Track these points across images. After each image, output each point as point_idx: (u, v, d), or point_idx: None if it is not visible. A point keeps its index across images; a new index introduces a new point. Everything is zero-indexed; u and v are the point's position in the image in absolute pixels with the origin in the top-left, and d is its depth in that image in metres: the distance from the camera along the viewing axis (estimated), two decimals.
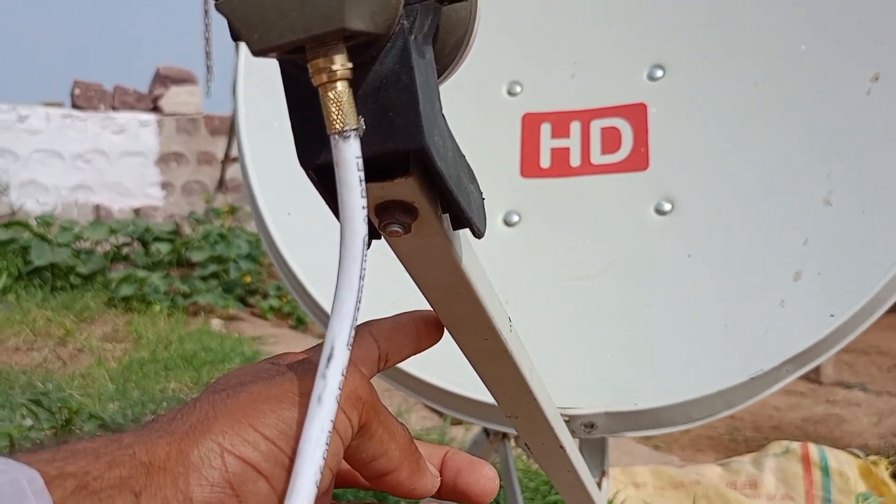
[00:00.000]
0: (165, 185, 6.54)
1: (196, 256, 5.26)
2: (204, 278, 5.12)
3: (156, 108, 6.66)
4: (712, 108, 0.89)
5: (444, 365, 0.87)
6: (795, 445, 1.90)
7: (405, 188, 0.31)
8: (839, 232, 0.78)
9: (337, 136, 0.28)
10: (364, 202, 0.29)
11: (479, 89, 0.98)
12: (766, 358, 0.75)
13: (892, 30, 0.82)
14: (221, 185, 6.49)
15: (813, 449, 1.88)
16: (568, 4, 0.99)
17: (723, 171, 0.86)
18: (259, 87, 0.99)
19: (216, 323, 4.26)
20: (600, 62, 0.95)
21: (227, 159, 6.32)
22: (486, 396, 0.84)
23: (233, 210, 6.10)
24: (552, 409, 0.54)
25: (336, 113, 0.28)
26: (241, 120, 0.97)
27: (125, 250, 5.54)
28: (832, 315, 0.75)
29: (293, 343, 4.09)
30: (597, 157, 0.90)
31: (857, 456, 1.92)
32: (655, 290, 0.82)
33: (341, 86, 0.28)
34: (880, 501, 1.65)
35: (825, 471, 1.81)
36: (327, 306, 0.89)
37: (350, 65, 0.28)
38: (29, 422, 1.86)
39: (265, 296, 5.27)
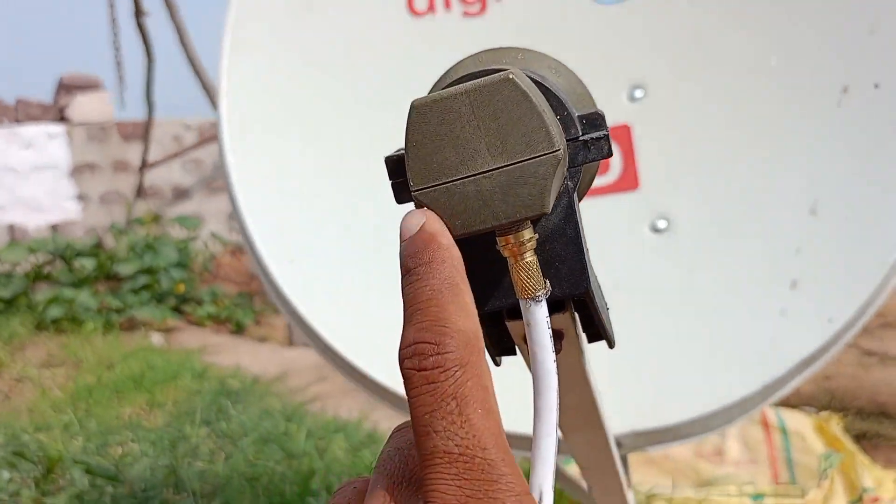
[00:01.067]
0: (81, 198, 6.31)
1: (124, 269, 5.12)
2: (135, 291, 5.00)
3: (63, 119, 6.41)
4: (694, 125, 0.93)
5: None
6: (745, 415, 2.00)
7: (560, 321, 0.34)
8: (827, 239, 0.84)
9: (529, 300, 0.30)
10: (554, 356, 0.31)
11: None
12: (775, 366, 0.80)
13: (856, 43, 0.88)
14: (140, 192, 6.30)
15: (770, 412, 1.98)
16: (540, 29, 1.01)
17: (712, 186, 0.90)
18: (243, 132, 0.99)
19: (156, 338, 4.17)
20: None
21: (145, 165, 6.14)
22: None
23: (156, 218, 5.94)
24: (615, 451, 0.57)
25: (527, 280, 0.30)
26: (230, 167, 0.96)
27: (47, 269, 5.35)
28: (830, 320, 0.80)
29: (237, 351, 4.04)
30: None
31: (810, 414, 2.04)
32: (662, 309, 0.87)
33: (529, 256, 0.30)
34: (841, 456, 1.76)
35: (784, 432, 1.92)
36: (354, 360, 0.90)
37: (536, 236, 0.30)
38: (6, 474, 1.81)
39: (200, 303, 5.17)
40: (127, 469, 1.97)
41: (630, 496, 0.68)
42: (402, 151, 0.32)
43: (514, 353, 0.38)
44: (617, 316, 0.87)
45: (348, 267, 0.94)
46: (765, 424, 1.96)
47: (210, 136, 6.60)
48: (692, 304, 0.86)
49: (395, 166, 0.33)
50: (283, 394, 2.86)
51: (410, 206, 0.33)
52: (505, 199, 0.29)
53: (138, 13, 4.81)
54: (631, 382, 0.83)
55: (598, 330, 0.37)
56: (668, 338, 0.85)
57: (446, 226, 0.30)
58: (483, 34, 1.01)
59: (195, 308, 5.11)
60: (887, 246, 0.81)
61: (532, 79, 0.31)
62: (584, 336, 0.38)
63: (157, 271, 5.12)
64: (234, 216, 0.97)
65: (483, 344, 0.28)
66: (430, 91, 0.35)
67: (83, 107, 6.43)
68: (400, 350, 0.29)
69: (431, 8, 1.01)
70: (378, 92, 1.00)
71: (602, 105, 0.99)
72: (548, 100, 0.31)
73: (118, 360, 3.53)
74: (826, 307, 0.81)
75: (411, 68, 1.01)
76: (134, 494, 1.80)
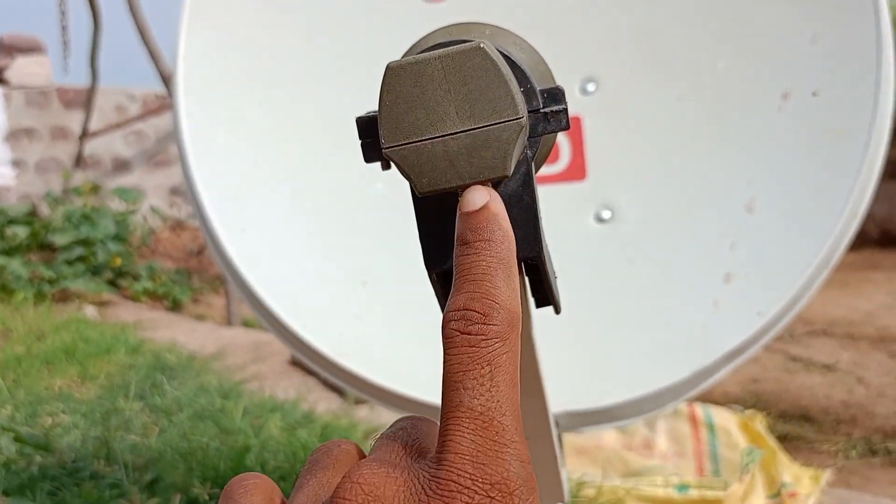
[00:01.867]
0: (17, 164, 6.13)
1: (59, 239, 4.99)
2: (69, 262, 4.88)
3: (1, 81, 6.21)
4: (642, 120, 0.96)
5: (390, 366, 0.91)
6: (683, 406, 2.07)
7: None
8: (761, 237, 0.88)
9: None
10: None
11: None
12: (706, 354, 0.84)
13: (799, 52, 0.92)
14: (80, 161, 6.14)
15: (698, 408, 2.05)
16: (499, 17, 1.03)
17: (656, 180, 0.94)
18: (198, 101, 0.99)
19: (90, 310, 4.09)
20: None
21: (86, 134, 5.99)
22: (431, 397, 0.89)
23: (95, 188, 5.80)
24: (553, 421, 0.60)
25: None
26: (185, 136, 0.96)
27: None
28: (759, 313, 0.84)
29: (173, 327, 3.99)
30: None
31: (736, 412, 2.12)
32: (602, 295, 0.90)
33: None
34: (763, 453, 1.83)
35: (711, 428, 1.99)
36: (288, 320, 0.91)
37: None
38: None
39: (137, 278, 5.08)
40: (57, 439, 1.93)
41: (564, 474, 0.71)
42: (374, 113, 0.34)
43: None
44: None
45: (299, 238, 0.95)
46: (693, 420, 2.03)
47: (155, 107, 6.46)
48: (630, 291, 0.89)
49: (366, 126, 0.34)
50: (220, 371, 2.84)
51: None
52: (470, 161, 0.31)
53: None
54: (568, 364, 0.86)
55: (546, 295, 0.39)
56: (605, 323, 0.88)
57: (413, 184, 0.32)
58: (442, 17, 1.02)
59: (131, 283, 5.02)
60: (816, 245, 0.85)
61: (499, 51, 0.33)
62: (532, 301, 0.40)
63: (93, 243, 5.01)
64: (186, 183, 0.97)
65: (520, 325, 0.31)
66: (403, 56, 0.37)
67: (23, 69, 6.24)
68: (447, 312, 0.30)
69: None
70: (334, 63, 1.01)
71: None
72: (513, 72, 0.33)
73: (49, 331, 3.45)
74: (756, 301, 0.85)
75: (369, 43, 1.02)
76: (63, 464, 1.77)
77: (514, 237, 0.32)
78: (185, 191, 6.47)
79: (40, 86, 6.28)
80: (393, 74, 0.31)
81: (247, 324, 4.10)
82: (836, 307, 5.29)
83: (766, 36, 0.93)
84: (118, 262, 5.00)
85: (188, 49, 0.99)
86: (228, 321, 4.18)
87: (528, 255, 0.34)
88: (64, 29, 5.12)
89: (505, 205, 0.34)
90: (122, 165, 6.43)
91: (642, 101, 0.97)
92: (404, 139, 0.32)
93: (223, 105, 0.99)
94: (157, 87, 6.26)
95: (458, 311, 0.30)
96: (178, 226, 6.26)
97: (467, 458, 0.28)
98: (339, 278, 0.95)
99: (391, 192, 0.97)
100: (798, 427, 3.07)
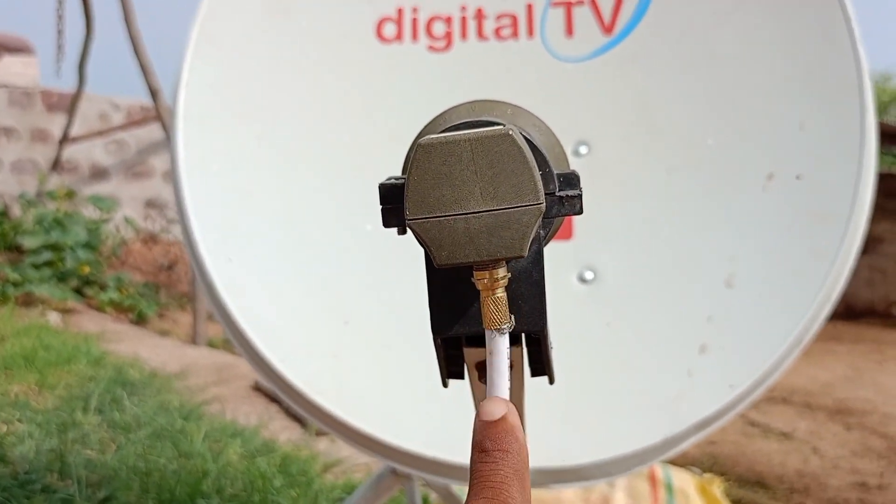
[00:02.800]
0: None
1: (28, 242, 4.93)
2: (37, 266, 4.82)
3: None
4: (631, 186, 0.99)
5: (365, 407, 0.92)
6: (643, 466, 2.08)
7: (512, 353, 0.37)
8: (738, 312, 0.90)
9: (494, 331, 0.34)
10: (509, 384, 0.34)
11: None
12: (676, 422, 0.85)
13: (786, 136, 0.95)
14: (57, 165, 6.09)
15: (658, 469, 2.06)
16: (500, 75, 1.06)
17: (640, 247, 0.96)
18: (197, 129, 0.99)
19: (54, 317, 4.03)
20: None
21: (66, 139, 5.94)
22: (401, 441, 0.89)
23: (70, 194, 5.75)
24: None
25: (495, 312, 0.33)
26: (180, 162, 0.97)
27: None
28: (731, 385, 0.86)
29: (137, 341, 3.94)
30: None
31: (695, 474, 2.13)
32: (579, 356, 0.91)
33: (500, 292, 0.34)
34: None
35: (669, 489, 2.00)
36: (268, 354, 0.91)
37: (509, 275, 0.34)
38: None
39: (104, 287, 5.03)
40: (10, 448, 1.90)
41: None
42: (394, 180, 0.35)
43: (462, 377, 0.41)
44: None
45: (285, 272, 0.96)
46: (652, 479, 2.04)
47: (139, 119, 6.44)
48: (607, 354, 0.91)
49: (388, 193, 0.36)
50: (182, 391, 2.80)
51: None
52: (489, 239, 0.33)
53: None
54: (541, 423, 0.87)
55: (542, 366, 0.40)
56: (580, 385, 0.90)
57: (432, 255, 0.33)
58: (444, 70, 1.04)
59: (98, 292, 4.96)
60: (791, 324, 0.88)
61: (523, 135, 0.34)
62: (527, 371, 0.41)
63: (62, 249, 4.95)
64: (177, 210, 0.98)
65: None
66: (423, 128, 0.38)
67: (9, 69, 6.20)
68: None
69: (399, 37, 1.05)
70: (338, 106, 1.03)
71: None
72: (533, 152, 0.35)
73: (10, 335, 3.39)
74: (729, 374, 0.87)
75: (371, 89, 1.04)
76: (15, 475, 1.74)
77: (528, 450, 0.35)
78: (161, 203, 6.43)
79: (25, 86, 6.24)
80: (423, 151, 0.33)
81: (212, 344, 4.06)
82: (796, 376, 5.36)
83: (757, 119, 0.97)
84: (86, 270, 4.95)
85: (191, 77, 1.00)
86: (194, 340, 4.14)
87: (533, 328, 0.36)
88: (60, 33, 5.10)
89: (514, 280, 0.35)
90: (99, 173, 6.38)
91: (632, 169, 0.99)
92: (429, 213, 0.33)
93: (221, 136, 1.00)
94: (143, 99, 6.25)
95: None
96: (150, 239, 6.21)
97: None
98: (321, 315, 0.96)
99: (380, 234, 0.98)
100: (752, 493, 3.09)
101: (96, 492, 1.70)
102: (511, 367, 0.39)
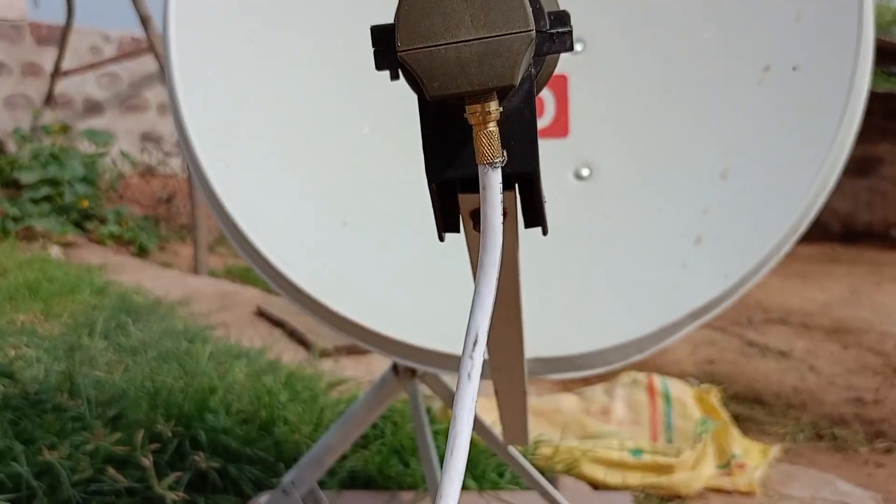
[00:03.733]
0: None
1: (25, 177, 4.92)
2: (35, 201, 4.82)
3: None
4: (627, 81, 0.98)
5: (366, 304, 0.93)
6: (641, 376, 2.12)
7: (506, 198, 0.38)
8: (734, 203, 0.91)
9: (487, 166, 0.34)
10: (502, 218, 0.35)
11: None
12: (672, 311, 0.87)
13: (782, 27, 0.94)
14: (50, 99, 6.03)
15: (657, 380, 2.10)
16: None
17: (635, 142, 0.96)
18: (190, 34, 0.98)
19: (55, 250, 4.05)
20: None
21: (57, 73, 5.87)
22: (399, 334, 0.91)
23: (65, 129, 5.71)
24: (525, 348, 0.62)
25: (488, 147, 0.34)
26: (174, 68, 0.96)
27: None
28: (725, 276, 0.88)
29: (139, 272, 3.97)
30: None
31: (692, 385, 2.17)
32: (576, 250, 0.92)
33: (492, 126, 0.34)
34: (716, 425, 1.89)
35: (667, 398, 2.04)
36: (269, 255, 0.92)
37: (500, 109, 0.34)
38: None
39: (104, 221, 5.04)
40: (20, 371, 1.93)
41: (528, 418, 0.73)
42: (388, 24, 0.35)
43: (458, 230, 0.41)
44: (532, 252, 0.93)
45: (283, 176, 0.96)
46: (650, 390, 2.08)
47: (131, 51, 6.35)
48: (603, 248, 0.92)
49: (380, 34, 0.36)
50: (186, 317, 2.84)
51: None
52: (480, 68, 0.33)
53: None
54: (538, 314, 0.89)
55: (536, 214, 0.41)
56: (577, 276, 0.91)
57: (424, 87, 0.33)
58: None
59: (98, 226, 4.97)
60: (785, 214, 0.88)
61: None
62: (521, 221, 0.42)
63: (60, 184, 4.94)
64: (173, 116, 0.98)
65: None
66: None
67: None
68: None
69: None
70: (330, 6, 1.01)
71: None
72: None
73: (13, 268, 3.42)
74: (724, 264, 0.88)
75: None
76: (26, 395, 1.77)
77: None
78: (158, 137, 6.38)
79: (13, 19, 6.14)
80: None
81: (214, 274, 4.09)
82: (794, 297, 5.41)
83: (753, 10, 0.96)
84: (85, 204, 4.95)
85: (179, 37, 0.98)
86: (195, 270, 4.17)
87: (525, 169, 0.36)
88: None
89: (506, 120, 0.36)
90: (93, 107, 6.32)
91: (628, 64, 0.99)
92: (419, 43, 0.33)
93: (214, 40, 0.99)
94: (134, 31, 6.15)
95: None
96: (147, 172, 6.19)
97: None
98: (320, 217, 0.96)
99: (376, 136, 0.98)
100: (750, 409, 3.15)
101: (106, 410, 1.73)
102: (505, 214, 0.39)
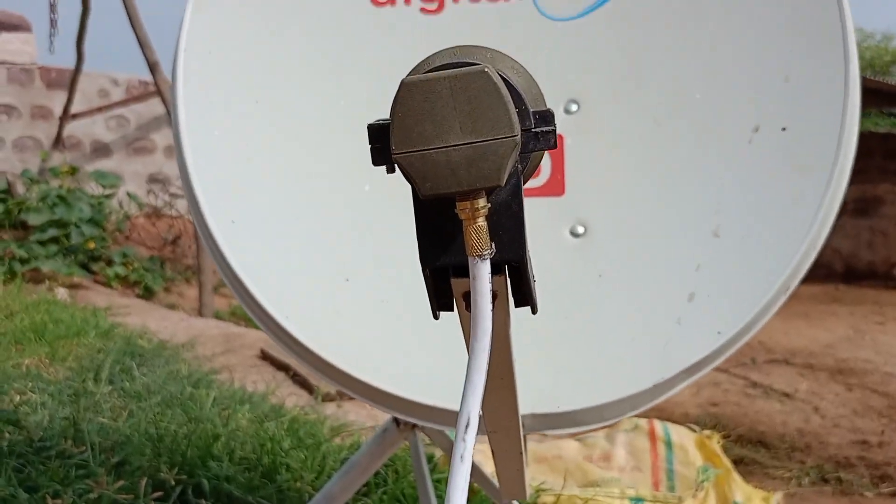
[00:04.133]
0: None
1: (33, 219, 4.97)
2: (42, 243, 4.87)
3: None
4: (620, 141, 1.01)
5: (365, 359, 0.95)
6: (643, 422, 2.12)
7: (496, 283, 0.40)
8: (725, 261, 0.93)
9: (476, 258, 0.37)
10: (491, 306, 0.37)
11: None
12: (666, 368, 0.88)
13: (772, 88, 0.97)
14: (58, 142, 6.11)
15: (658, 425, 2.11)
16: (491, 34, 1.08)
17: (629, 201, 0.99)
18: (197, 94, 1.02)
19: (62, 292, 4.08)
20: None
21: (66, 115, 5.96)
22: (401, 391, 0.93)
23: (73, 170, 5.78)
24: (520, 415, 0.64)
25: (476, 240, 0.36)
26: (182, 126, 0.99)
27: None
28: (719, 332, 0.89)
29: (145, 314, 3.99)
30: None
31: (694, 430, 2.18)
32: (572, 306, 0.94)
33: (481, 221, 0.36)
34: (717, 472, 1.89)
35: (668, 444, 2.04)
36: (270, 308, 0.94)
37: (488, 206, 0.37)
38: None
39: (110, 263, 5.07)
40: (25, 417, 1.94)
41: (526, 472, 0.75)
42: (382, 121, 0.38)
43: (452, 309, 0.44)
44: (528, 309, 0.95)
45: (287, 232, 0.99)
46: (651, 435, 2.08)
47: (138, 94, 6.45)
48: (599, 304, 0.94)
49: (377, 133, 0.38)
50: (190, 361, 2.85)
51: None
52: (469, 170, 0.36)
53: None
54: (536, 369, 0.91)
55: (525, 295, 0.43)
56: (574, 333, 0.93)
57: (417, 187, 0.36)
58: (437, 31, 1.06)
59: (104, 267, 5.01)
60: (775, 272, 0.90)
61: (500, 75, 0.37)
62: (511, 301, 0.44)
63: (67, 225, 4.99)
64: (180, 172, 1.01)
65: None
66: (409, 72, 0.41)
67: (7, 46, 6.19)
68: None
69: (392, 0, 1.06)
70: (332, 67, 1.05)
71: None
72: (510, 94, 0.37)
73: (20, 310, 3.44)
74: (717, 321, 0.90)
75: (365, 51, 1.06)
76: (31, 442, 1.78)
77: None
78: (164, 179, 6.45)
79: (24, 63, 6.24)
80: (406, 89, 0.36)
81: (218, 316, 4.11)
82: (798, 337, 5.40)
83: (743, 71, 0.99)
84: (92, 245, 4.99)
85: (189, 41, 1.02)
86: (200, 312, 4.19)
87: (513, 258, 0.39)
88: (52, 7, 5.10)
89: (495, 212, 0.38)
90: (101, 149, 6.40)
91: (621, 125, 1.02)
92: (412, 147, 0.36)
93: (221, 99, 1.03)
94: (142, 74, 6.25)
95: None
96: (154, 213, 6.24)
97: None
98: (322, 273, 0.99)
99: (378, 194, 1.01)
100: (754, 452, 3.15)
101: (110, 457, 1.74)
102: (495, 296, 0.42)
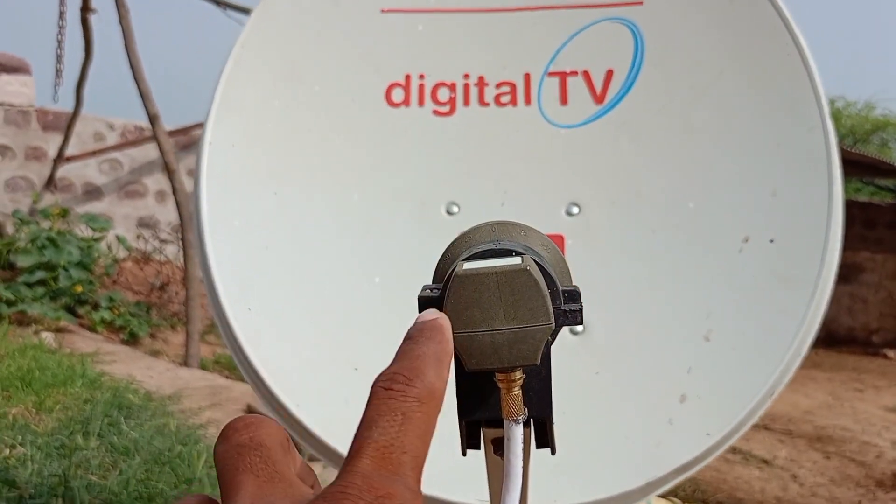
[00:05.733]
0: None
1: (22, 261, 4.98)
2: (30, 285, 4.87)
3: None
4: (619, 246, 1.08)
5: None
6: None
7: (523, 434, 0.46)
8: (715, 364, 0.99)
9: (511, 421, 0.42)
10: (523, 463, 0.42)
11: (422, 206, 1.11)
12: (658, 467, 0.93)
13: (761, 202, 1.04)
14: (51, 183, 6.15)
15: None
16: (499, 140, 1.14)
17: (626, 302, 1.04)
18: (220, 186, 1.07)
19: (47, 337, 4.08)
20: (526, 195, 1.11)
21: (61, 158, 6.00)
22: None
23: (63, 212, 5.80)
24: None
25: (513, 406, 0.42)
26: (204, 217, 1.05)
27: None
28: (708, 434, 0.95)
29: (130, 362, 3.99)
30: None
31: (674, 503, 2.21)
32: (569, 403, 0.99)
33: (517, 390, 0.42)
34: None
35: None
36: (285, 399, 0.99)
37: (524, 377, 0.42)
38: None
39: (96, 307, 5.07)
40: (13, 471, 1.96)
41: None
42: (429, 292, 0.43)
43: (479, 448, 0.49)
44: None
45: (300, 321, 1.04)
46: None
47: (133, 139, 6.51)
48: (593, 401, 0.99)
49: (425, 304, 0.44)
50: (177, 414, 2.86)
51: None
52: (510, 351, 0.41)
53: (85, 8, 4.78)
54: (533, 465, 0.95)
55: (547, 441, 0.48)
56: (568, 429, 0.98)
57: (464, 362, 0.41)
58: (448, 133, 1.13)
59: (90, 311, 5.00)
60: (764, 376, 0.96)
61: (535, 260, 0.43)
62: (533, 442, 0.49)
63: (56, 268, 5.00)
64: (200, 262, 1.06)
65: (440, 403, 0.36)
66: (451, 244, 0.47)
67: (6, 87, 6.26)
68: (378, 376, 0.36)
69: (406, 102, 1.13)
70: (348, 166, 1.11)
71: (542, 216, 1.13)
72: (543, 275, 0.43)
73: (6, 356, 3.44)
74: (706, 422, 0.95)
75: (379, 149, 1.13)
76: (21, 500, 1.79)
77: (452, 348, 0.39)
78: (154, 223, 6.47)
79: (21, 105, 6.30)
80: (458, 280, 0.41)
81: (204, 366, 4.11)
82: (778, 402, 5.45)
83: (734, 185, 1.06)
84: (79, 289, 4.99)
85: (214, 136, 1.08)
86: (186, 361, 4.20)
87: (540, 415, 0.44)
88: (59, 58, 5.18)
89: (527, 375, 0.44)
90: (92, 192, 6.44)
91: (620, 229, 1.08)
92: (462, 329, 0.41)
93: (241, 192, 1.08)
94: (137, 119, 6.32)
95: (387, 374, 0.36)
96: (142, 258, 6.26)
97: (359, 475, 0.31)
98: (333, 362, 1.04)
99: (387, 286, 1.06)
100: None
101: None
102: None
